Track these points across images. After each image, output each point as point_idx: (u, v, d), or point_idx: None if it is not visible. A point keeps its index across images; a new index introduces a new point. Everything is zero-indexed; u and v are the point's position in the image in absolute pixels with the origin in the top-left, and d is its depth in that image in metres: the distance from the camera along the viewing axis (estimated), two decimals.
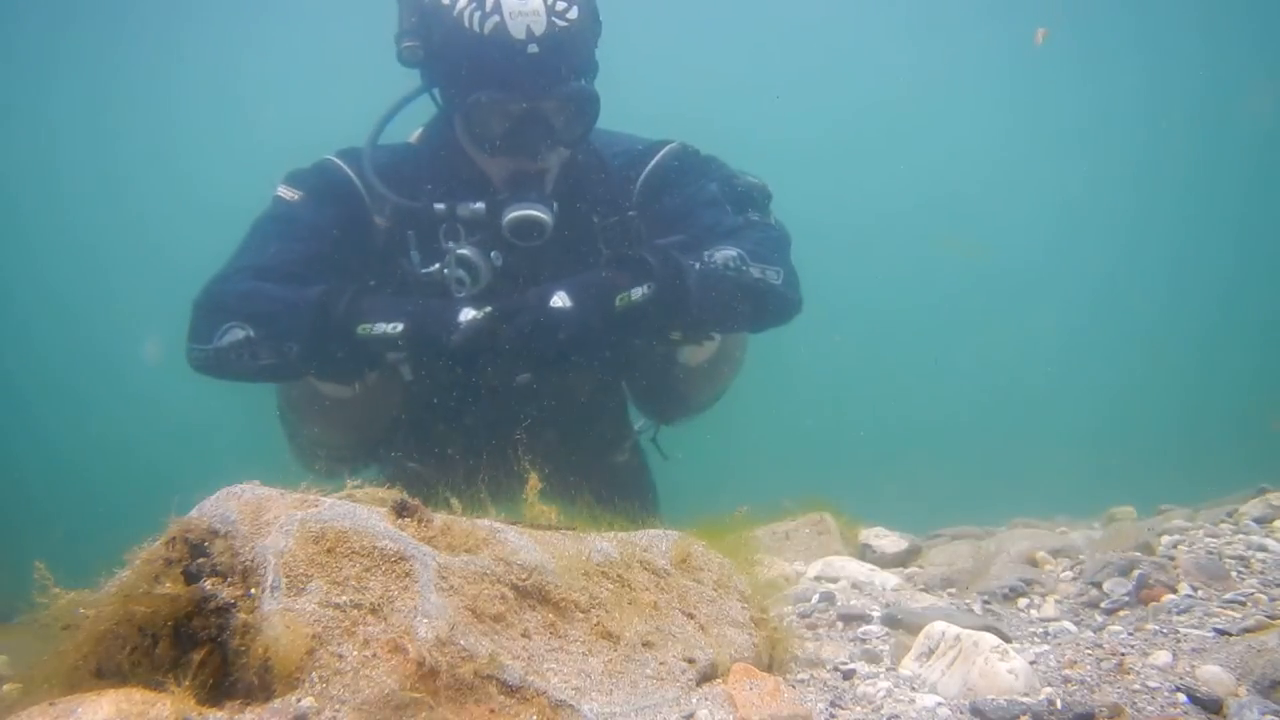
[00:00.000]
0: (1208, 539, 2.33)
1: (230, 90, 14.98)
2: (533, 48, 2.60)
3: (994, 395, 15.23)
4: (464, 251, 2.76)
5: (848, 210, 17.19)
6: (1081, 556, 2.28)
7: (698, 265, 2.69)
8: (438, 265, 2.80)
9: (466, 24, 2.64)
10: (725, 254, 2.74)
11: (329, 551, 1.12)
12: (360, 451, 3.17)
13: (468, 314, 2.58)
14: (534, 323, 2.54)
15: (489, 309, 2.58)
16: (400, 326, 2.58)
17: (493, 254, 2.78)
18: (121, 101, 14.47)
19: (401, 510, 1.25)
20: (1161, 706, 1.26)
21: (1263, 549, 2.10)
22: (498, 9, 2.61)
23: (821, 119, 17.64)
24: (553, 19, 2.62)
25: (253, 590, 1.09)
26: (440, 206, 2.82)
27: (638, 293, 2.62)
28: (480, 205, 2.78)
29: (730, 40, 16.92)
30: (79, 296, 16.38)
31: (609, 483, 3.03)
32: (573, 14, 2.67)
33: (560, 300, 2.56)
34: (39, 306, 16.40)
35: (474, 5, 2.63)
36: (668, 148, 3.06)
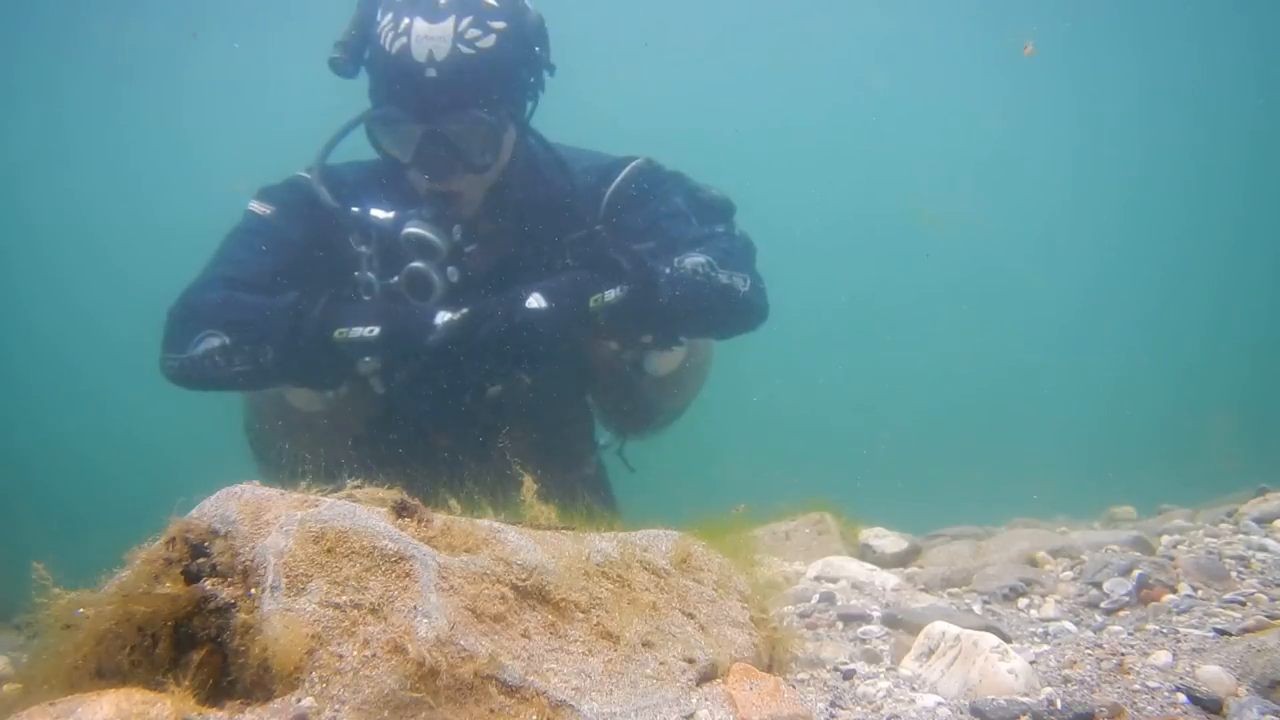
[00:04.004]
0: (1208, 539, 2.33)
1: (244, 81, 14.99)
2: (431, 72, 2.64)
3: (994, 395, 15.23)
4: (417, 265, 2.80)
5: (848, 209, 17.21)
6: (1083, 556, 2.28)
7: (668, 270, 2.74)
8: (395, 278, 2.84)
9: (381, 42, 2.70)
10: (695, 260, 2.79)
11: (329, 551, 1.12)
12: (328, 465, 3.17)
13: (443, 317, 2.63)
14: (509, 323, 2.58)
15: (465, 310, 2.62)
16: (377, 330, 2.61)
17: (449, 269, 2.83)
18: (132, 93, 14.46)
19: (401, 510, 1.25)
20: (1161, 706, 1.26)
21: (1263, 549, 2.10)
22: (408, 30, 2.65)
23: (822, 118, 17.66)
24: (459, 45, 2.65)
25: (253, 590, 1.09)
26: (355, 210, 2.89)
27: (611, 294, 2.66)
28: (390, 215, 2.84)
29: (722, 39, 16.94)
30: (84, 290, 16.39)
31: (575, 498, 3.07)
32: (486, 42, 2.69)
33: (536, 301, 2.61)
34: (44, 300, 16.42)
35: (392, 25, 2.68)
36: (633, 164, 3.10)
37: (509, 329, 2.58)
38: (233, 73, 14.58)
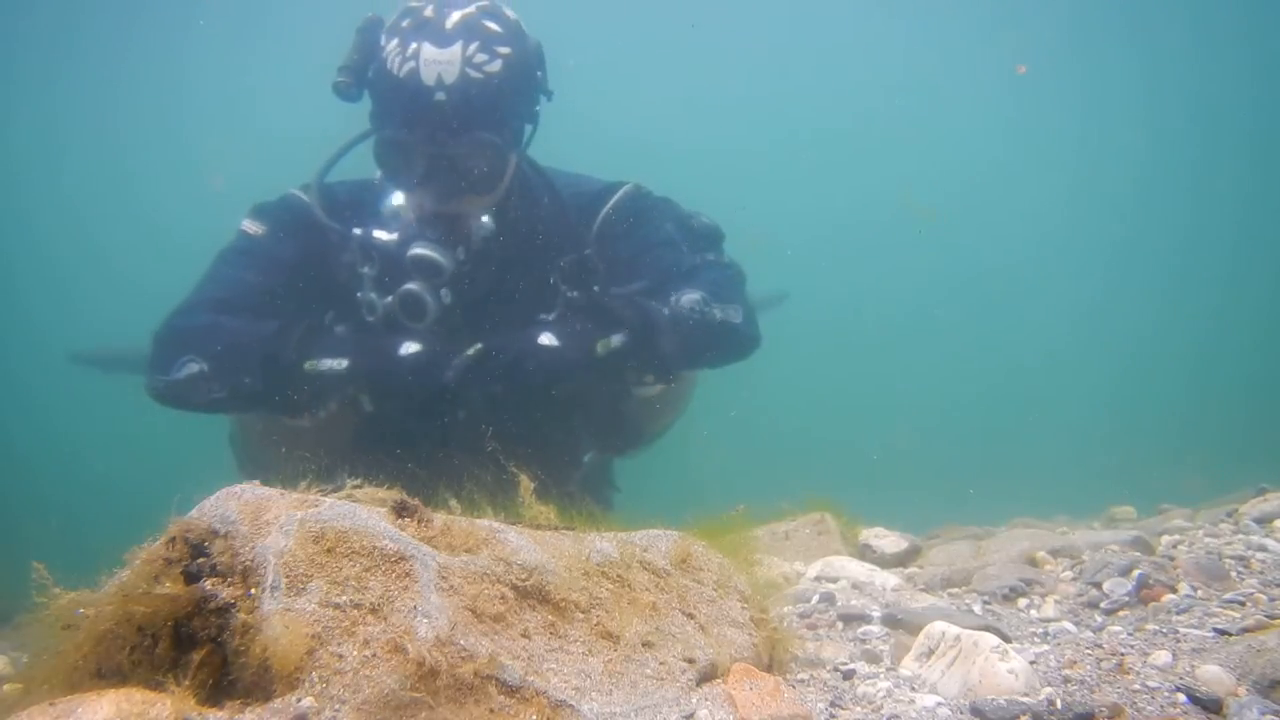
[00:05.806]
0: (1208, 539, 2.33)
1: (240, 82, 14.99)
2: (440, 95, 2.68)
3: (994, 395, 15.24)
4: (411, 287, 2.83)
5: (849, 212, 17.21)
6: (1083, 556, 2.28)
7: (666, 310, 2.81)
8: (390, 298, 2.87)
9: (389, 66, 2.74)
10: (690, 298, 2.86)
11: (329, 551, 1.12)
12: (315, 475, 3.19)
13: (409, 348, 2.68)
14: (522, 355, 2.67)
15: (479, 346, 2.69)
16: (345, 363, 2.66)
17: (442, 291, 2.85)
18: (129, 91, 14.47)
19: (401, 510, 1.25)
20: (1161, 706, 1.26)
21: (1262, 549, 2.10)
22: (416, 55, 2.69)
23: (820, 118, 17.66)
24: (467, 69, 2.69)
25: (253, 590, 1.09)
26: (358, 231, 2.91)
27: (615, 339, 2.76)
28: (394, 236, 2.87)
29: (727, 42, 16.94)
30: (84, 288, 16.39)
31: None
32: (493, 66, 2.73)
33: (548, 339, 2.72)
34: (43, 299, 16.43)
35: (399, 49, 2.73)
36: (624, 189, 3.15)
37: (521, 360, 2.67)
38: (229, 72, 14.58)
